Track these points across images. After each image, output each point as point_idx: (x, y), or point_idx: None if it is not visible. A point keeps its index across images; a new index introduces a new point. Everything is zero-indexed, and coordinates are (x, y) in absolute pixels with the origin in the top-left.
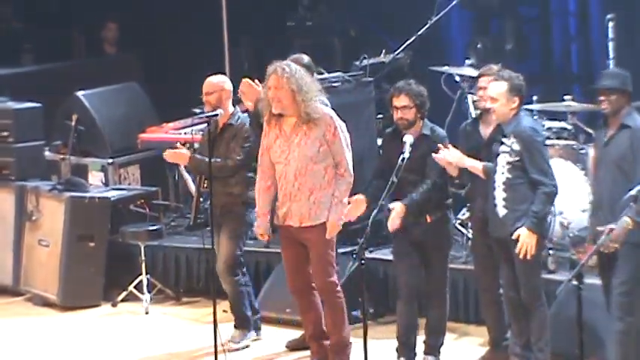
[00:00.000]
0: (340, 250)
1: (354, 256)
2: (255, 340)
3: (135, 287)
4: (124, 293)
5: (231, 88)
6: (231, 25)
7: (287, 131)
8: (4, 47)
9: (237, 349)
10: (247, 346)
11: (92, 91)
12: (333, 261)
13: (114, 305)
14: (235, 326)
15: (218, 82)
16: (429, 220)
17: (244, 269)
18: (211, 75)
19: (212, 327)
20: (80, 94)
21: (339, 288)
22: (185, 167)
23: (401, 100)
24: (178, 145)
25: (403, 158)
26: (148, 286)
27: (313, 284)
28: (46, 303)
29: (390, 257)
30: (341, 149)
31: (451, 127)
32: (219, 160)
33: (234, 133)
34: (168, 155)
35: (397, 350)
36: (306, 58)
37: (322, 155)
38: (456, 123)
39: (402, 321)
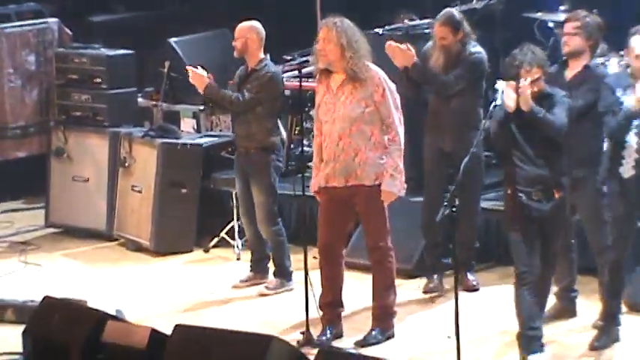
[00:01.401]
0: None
1: (445, 202)
2: (290, 289)
3: (226, 233)
4: (216, 239)
5: (261, 35)
6: None
7: (334, 88)
8: None
9: (270, 295)
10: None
11: (184, 37)
12: (386, 223)
13: (206, 251)
14: (274, 274)
15: (244, 28)
16: (556, 195)
17: (279, 218)
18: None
19: (303, 273)
20: (172, 40)
21: (391, 252)
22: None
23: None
24: (202, 71)
25: (495, 105)
26: (239, 232)
27: (343, 251)
28: (139, 248)
29: (484, 205)
30: (390, 112)
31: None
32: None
33: (257, 77)
34: (191, 74)
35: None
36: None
37: (368, 116)
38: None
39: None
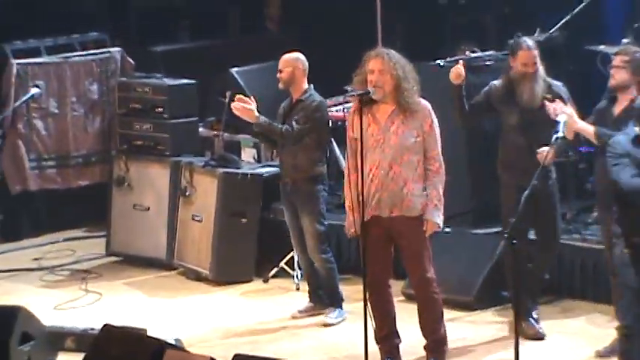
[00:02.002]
0: (491, 230)
1: (506, 236)
2: (345, 318)
3: (286, 263)
4: (275, 269)
5: (306, 66)
6: (385, 3)
7: (380, 119)
8: (162, 24)
9: (333, 324)
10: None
11: (245, 68)
12: (429, 255)
13: (265, 281)
14: (330, 304)
15: (290, 59)
16: None
17: (328, 247)
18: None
19: (362, 304)
20: (234, 70)
21: (435, 284)
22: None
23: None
24: (251, 100)
25: (557, 138)
26: (298, 262)
27: (390, 281)
28: (199, 277)
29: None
30: (436, 143)
31: None
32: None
33: (303, 107)
34: (237, 107)
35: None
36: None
37: (417, 147)
38: None
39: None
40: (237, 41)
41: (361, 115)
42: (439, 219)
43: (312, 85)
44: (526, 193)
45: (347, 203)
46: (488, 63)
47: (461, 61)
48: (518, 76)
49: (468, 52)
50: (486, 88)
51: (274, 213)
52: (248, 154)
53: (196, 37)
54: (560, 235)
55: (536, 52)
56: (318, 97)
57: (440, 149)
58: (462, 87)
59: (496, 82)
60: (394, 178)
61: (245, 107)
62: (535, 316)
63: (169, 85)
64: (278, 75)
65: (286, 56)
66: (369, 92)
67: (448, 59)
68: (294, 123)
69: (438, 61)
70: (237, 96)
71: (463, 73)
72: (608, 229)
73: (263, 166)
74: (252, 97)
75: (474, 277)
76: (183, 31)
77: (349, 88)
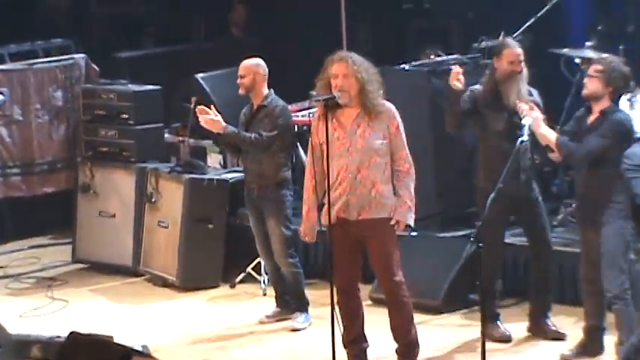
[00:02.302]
0: (458, 233)
1: (472, 239)
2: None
3: (252, 269)
4: (242, 275)
5: (266, 71)
6: (348, 8)
7: (345, 123)
8: (127, 30)
9: (301, 329)
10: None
11: (211, 73)
12: (398, 258)
13: (232, 287)
14: (297, 309)
15: (251, 65)
16: None
17: (295, 251)
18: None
19: (329, 309)
20: (199, 76)
21: (404, 287)
22: (217, 138)
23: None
24: (213, 110)
25: (522, 141)
26: (265, 267)
27: (359, 285)
28: (165, 284)
29: (512, 240)
30: (403, 145)
31: (571, 111)
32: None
33: (266, 113)
34: (204, 120)
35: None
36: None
37: (384, 149)
38: (576, 107)
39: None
40: (202, 47)
41: (327, 120)
42: (411, 220)
43: (272, 90)
44: (492, 195)
45: (304, 209)
46: (452, 67)
47: (456, 66)
48: (503, 77)
49: (432, 56)
50: (469, 93)
51: (241, 218)
52: (214, 160)
53: (161, 43)
54: (551, 243)
55: (520, 51)
56: (280, 102)
57: (407, 150)
58: (462, 92)
59: (477, 87)
60: (362, 181)
61: (212, 119)
62: (549, 322)
63: (134, 91)
64: (239, 81)
65: (246, 62)
66: (335, 97)
67: (413, 63)
68: (261, 131)
69: (403, 65)
70: (199, 107)
71: (462, 77)
72: (587, 238)
73: (229, 172)
74: (212, 107)
75: (442, 281)
76: (148, 37)
77: (314, 94)
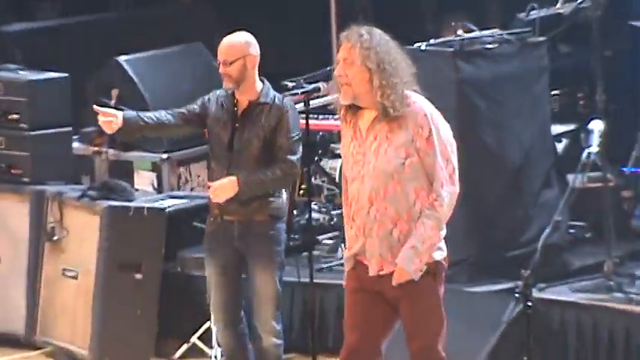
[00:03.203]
0: (497, 287)
1: (517, 295)
2: None
3: (199, 338)
4: (185, 346)
5: (258, 53)
6: None
7: (363, 131)
8: None
9: None
10: None
11: (140, 55)
12: (440, 328)
13: None
14: None
15: (238, 45)
16: None
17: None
18: (231, 34)
19: None
20: (123, 59)
21: None
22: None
23: None
24: (115, 115)
25: (589, 153)
26: (217, 336)
27: (382, 351)
28: (74, 359)
29: (572, 298)
30: (436, 164)
31: None
32: (267, 172)
33: (275, 118)
34: (215, 193)
35: None
36: None
37: (410, 171)
38: None
39: None
40: (129, 17)
41: (351, 123)
42: (412, 266)
43: (266, 81)
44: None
45: (346, 247)
46: (489, 46)
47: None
48: None
49: (460, 31)
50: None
51: (183, 264)
52: (144, 180)
53: (67, 12)
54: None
55: None
56: (285, 100)
57: (444, 172)
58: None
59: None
60: (379, 218)
61: (222, 184)
62: None
63: (30, 81)
64: (222, 70)
65: (230, 40)
66: (319, 89)
67: (432, 41)
68: (286, 154)
69: (417, 45)
70: (101, 110)
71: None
72: None
73: (166, 198)
74: (117, 117)
75: (476, 350)
76: (48, 3)
77: (288, 85)
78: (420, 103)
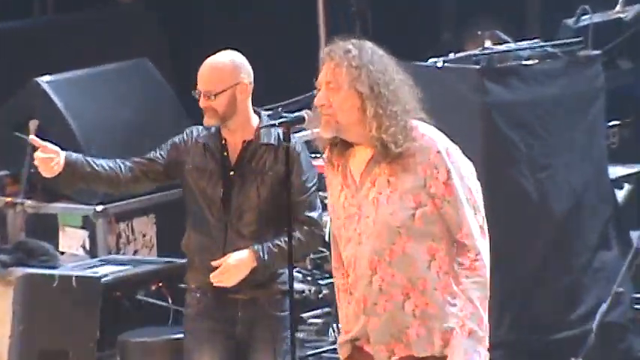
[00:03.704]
0: None
1: None
2: None
3: None
4: None
5: (251, 78)
6: None
7: (355, 175)
8: None
9: None
10: None
11: (66, 75)
12: None
13: None
14: None
15: (228, 70)
16: None
17: None
18: (217, 53)
19: None
20: (44, 80)
21: None
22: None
23: None
24: (54, 151)
25: None
26: None
27: None
28: None
29: None
30: (462, 213)
31: None
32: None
33: (283, 165)
34: (223, 278)
35: None
36: None
37: (422, 224)
38: None
39: None
40: (51, 24)
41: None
42: (478, 357)
43: (263, 113)
44: None
45: (340, 328)
46: (527, 62)
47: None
48: None
49: (488, 42)
50: None
51: (124, 353)
52: (73, 240)
53: None
54: None
55: None
56: (294, 139)
57: (475, 224)
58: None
59: None
60: (384, 289)
61: (234, 264)
62: None
63: None
64: (204, 103)
65: (214, 64)
66: (303, 118)
67: (451, 56)
68: (305, 211)
69: (432, 61)
70: (40, 142)
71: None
72: None
73: (101, 264)
74: (59, 155)
75: None
76: None
77: (263, 113)
78: (430, 135)
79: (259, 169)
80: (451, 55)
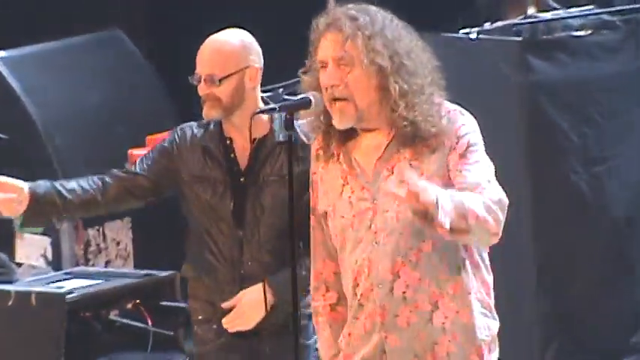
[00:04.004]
0: None
1: None
2: None
3: None
4: None
5: (262, 62)
6: None
7: (366, 166)
8: None
9: None
10: None
11: (24, 50)
12: None
13: None
14: None
15: (235, 51)
16: None
17: None
18: (222, 31)
19: None
20: None
21: None
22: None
23: None
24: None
25: None
26: None
27: None
28: None
29: None
30: (477, 176)
31: None
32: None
33: (306, 167)
34: (239, 322)
35: None
36: None
37: None
38: None
39: None
40: None
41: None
42: (440, 212)
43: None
44: None
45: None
46: (579, 33)
47: None
48: None
49: (532, 9)
50: None
51: None
52: (31, 249)
53: None
54: None
55: None
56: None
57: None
58: None
59: None
60: (409, 297)
61: (246, 303)
62: None
63: None
64: (203, 90)
65: (218, 43)
66: (309, 101)
67: (487, 26)
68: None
69: (464, 32)
70: None
71: None
72: None
73: (65, 277)
74: (21, 190)
75: None
76: None
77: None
78: (456, 112)
79: (276, 171)
80: (487, 25)
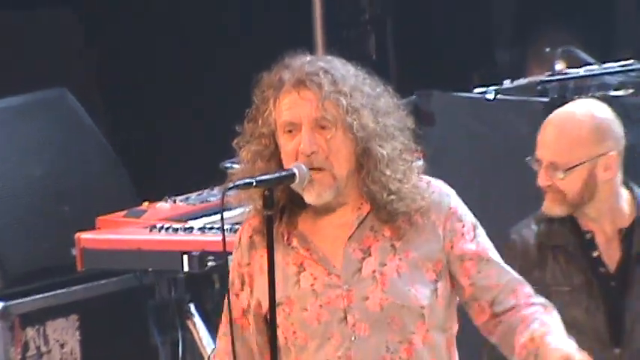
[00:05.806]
0: None
1: None
2: None
3: None
4: None
5: (621, 146)
6: None
7: (330, 248)
8: None
9: None
10: None
11: None
12: None
13: None
14: None
15: (586, 136)
16: None
17: None
18: (571, 106)
19: None
20: None
21: None
22: None
23: None
24: None
25: None
26: None
27: None
28: None
29: None
30: (502, 270)
31: None
32: None
33: None
34: None
35: None
36: None
37: (444, 304)
38: None
39: None
40: None
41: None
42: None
43: None
44: None
45: None
46: (617, 92)
47: None
48: None
49: (560, 64)
50: None
51: None
52: None
53: None
54: None
55: None
56: None
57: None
58: None
59: None
60: None
61: None
62: None
63: None
64: (544, 180)
65: (565, 121)
66: (294, 174)
67: (506, 84)
68: None
69: (482, 90)
70: None
71: None
72: None
73: None
74: None
75: None
76: None
77: (227, 165)
78: (435, 184)
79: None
80: (507, 82)
